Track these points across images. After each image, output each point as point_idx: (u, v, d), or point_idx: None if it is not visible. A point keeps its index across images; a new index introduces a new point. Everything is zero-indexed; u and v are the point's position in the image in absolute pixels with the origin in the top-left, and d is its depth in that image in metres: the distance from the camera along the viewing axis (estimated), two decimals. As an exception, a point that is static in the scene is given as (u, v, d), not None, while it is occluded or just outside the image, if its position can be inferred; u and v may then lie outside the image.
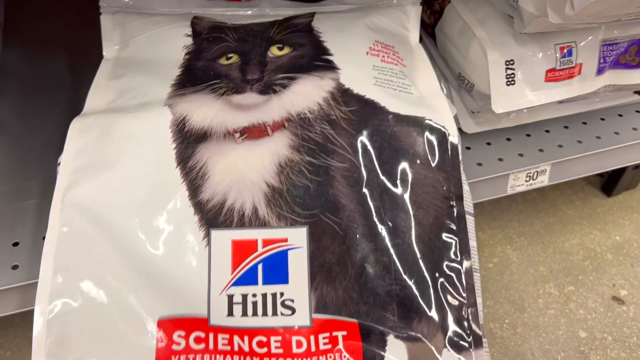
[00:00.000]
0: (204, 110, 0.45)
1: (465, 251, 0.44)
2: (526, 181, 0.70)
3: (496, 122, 0.68)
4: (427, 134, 0.46)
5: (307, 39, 0.52)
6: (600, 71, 0.62)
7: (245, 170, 0.43)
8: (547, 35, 0.59)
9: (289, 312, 0.41)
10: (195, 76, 0.49)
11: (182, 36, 0.53)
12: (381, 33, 0.55)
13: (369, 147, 0.45)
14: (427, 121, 0.47)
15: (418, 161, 0.45)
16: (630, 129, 0.75)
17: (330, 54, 0.50)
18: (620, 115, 0.77)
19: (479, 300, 0.44)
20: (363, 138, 0.45)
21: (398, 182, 0.45)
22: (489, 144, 0.72)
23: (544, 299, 0.82)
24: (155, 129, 0.45)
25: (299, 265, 0.42)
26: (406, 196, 0.44)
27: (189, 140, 0.44)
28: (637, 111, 0.78)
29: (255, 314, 0.41)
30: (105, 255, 0.41)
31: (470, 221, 0.46)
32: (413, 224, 0.44)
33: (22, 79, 0.78)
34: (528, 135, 0.73)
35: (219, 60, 0.50)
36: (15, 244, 0.56)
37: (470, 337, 0.42)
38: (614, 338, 0.77)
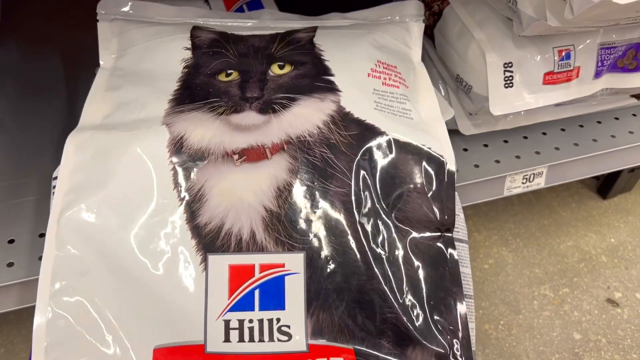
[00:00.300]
0: (202, 129, 0.44)
1: (456, 281, 0.45)
2: (523, 183, 0.70)
3: (493, 124, 0.68)
4: (425, 162, 0.46)
5: (309, 57, 0.50)
6: (597, 74, 0.62)
7: (244, 193, 0.42)
8: (545, 38, 0.59)
9: (286, 338, 0.41)
10: (193, 92, 0.47)
11: (181, 49, 0.51)
12: (384, 51, 0.54)
13: (368, 173, 0.44)
14: (426, 149, 0.46)
15: (414, 190, 0.45)
16: (627, 133, 0.75)
17: (332, 75, 0.49)
18: (617, 119, 0.77)
19: (471, 326, 0.45)
20: (362, 163, 0.44)
21: (394, 210, 0.44)
22: (486, 145, 0.72)
23: (539, 300, 0.83)
24: (152, 148, 0.43)
25: (295, 291, 0.41)
26: (401, 225, 0.44)
27: (186, 161, 0.43)
28: (634, 115, 0.79)
29: (252, 339, 0.40)
30: (102, 280, 0.40)
31: (464, 249, 0.47)
32: (408, 252, 0.44)
33: (19, 77, 0.78)
34: (525, 137, 0.73)
35: (218, 76, 0.48)
36: (11, 241, 0.56)
37: None
38: (608, 340, 0.78)
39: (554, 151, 0.72)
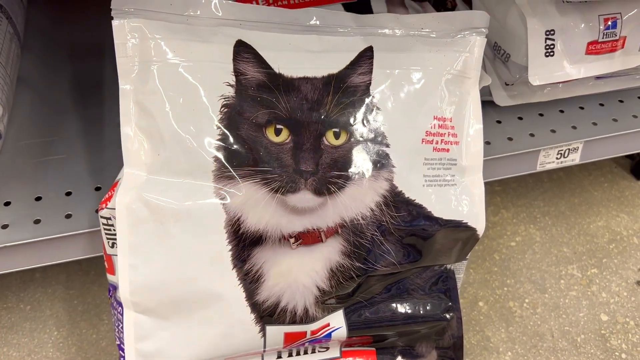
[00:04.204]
0: (259, 212, 0.44)
1: (454, 306, 0.53)
2: (557, 158, 0.68)
3: (530, 96, 0.66)
4: (461, 236, 0.50)
5: (365, 118, 0.46)
6: (644, 46, 0.59)
7: (299, 275, 0.45)
8: (591, 4, 0.56)
9: (324, 349, 0.50)
10: (241, 148, 0.43)
11: (221, 84, 0.44)
12: (442, 99, 0.48)
13: (410, 251, 0.48)
14: (463, 224, 0.49)
15: (447, 262, 0.52)
16: (669, 109, 0.72)
17: (388, 145, 0.46)
18: (659, 95, 0.74)
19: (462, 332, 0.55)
20: (407, 243, 0.48)
21: (423, 280, 0.52)
22: (520, 118, 0.69)
23: (566, 280, 0.81)
24: (210, 230, 0.43)
25: (337, 336, 0.49)
26: (422, 290, 0.52)
27: (244, 243, 0.44)
28: (677, 91, 0.75)
29: (298, 354, 0.50)
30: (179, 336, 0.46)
31: (459, 280, 0.55)
32: (418, 305, 0.52)
33: (46, 34, 0.78)
34: (561, 111, 0.71)
35: (267, 131, 0.44)
36: (38, 199, 0.56)
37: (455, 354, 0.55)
38: (636, 323, 0.76)
39: (591, 126, 0.69)
